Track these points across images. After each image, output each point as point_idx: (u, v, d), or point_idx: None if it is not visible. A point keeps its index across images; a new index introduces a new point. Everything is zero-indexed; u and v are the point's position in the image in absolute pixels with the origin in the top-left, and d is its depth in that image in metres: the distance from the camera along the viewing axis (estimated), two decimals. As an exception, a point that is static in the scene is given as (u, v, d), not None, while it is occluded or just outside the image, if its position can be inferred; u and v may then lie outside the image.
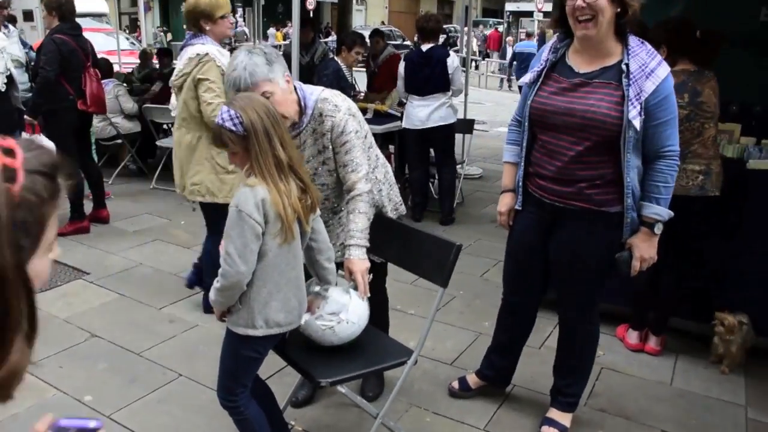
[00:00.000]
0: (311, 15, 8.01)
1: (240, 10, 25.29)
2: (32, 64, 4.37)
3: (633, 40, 2.10)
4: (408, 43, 22.83)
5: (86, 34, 4.50)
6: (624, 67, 2.07)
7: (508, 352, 2.72)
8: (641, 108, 2.03)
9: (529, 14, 23.98)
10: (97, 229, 4.82)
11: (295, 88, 2.21)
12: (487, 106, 13.63)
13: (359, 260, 2.19)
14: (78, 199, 4.57)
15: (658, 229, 2.17)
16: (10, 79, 3.59)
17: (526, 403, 2.78)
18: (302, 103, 2.21)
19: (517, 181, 2.43)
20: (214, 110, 3.02)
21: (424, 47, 4.93)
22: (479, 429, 2.61)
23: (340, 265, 2.30)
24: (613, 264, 2.24)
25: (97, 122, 5.50)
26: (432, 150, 5.38)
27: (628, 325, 3.34)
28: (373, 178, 2.39)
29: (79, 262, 4.15)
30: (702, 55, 2.88)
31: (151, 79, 7.20)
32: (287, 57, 5.96)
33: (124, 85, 6.39)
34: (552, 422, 2.54)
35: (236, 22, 24.15)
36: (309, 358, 2.17)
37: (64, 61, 4.19)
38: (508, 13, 31.83)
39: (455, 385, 2.83)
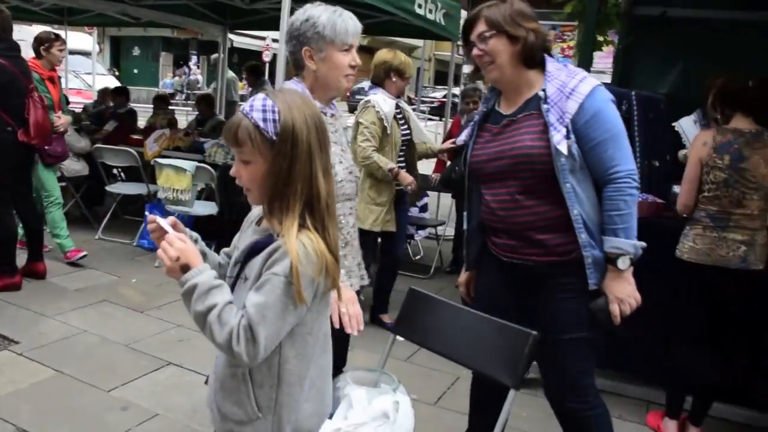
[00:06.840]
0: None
1: (194, 58, 25.02)
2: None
3: (552, 65, 1.96)
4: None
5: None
6: (541, 93, 1.93)
7: None
8: (568, 131, 1.86)
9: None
10: (31, 285, 4.11)
11: None
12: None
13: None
14: (9, 249, 3.95)
15: (623, 263, 1.90)
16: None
17: None
18: None
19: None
20: (362, 152, 3.49)
21: None
22: None
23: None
24: (593, 318, 1.95)
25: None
26: None
27: (662, 412, 2.92)
28: None
29: (6, 328, 3.44)
30: (760, 107, 2.59)
31: (103, 119, 6.63)
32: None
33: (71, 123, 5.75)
34: None
35: (189, 70, 24.01)
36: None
37: (1, 89, 3.62)
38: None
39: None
